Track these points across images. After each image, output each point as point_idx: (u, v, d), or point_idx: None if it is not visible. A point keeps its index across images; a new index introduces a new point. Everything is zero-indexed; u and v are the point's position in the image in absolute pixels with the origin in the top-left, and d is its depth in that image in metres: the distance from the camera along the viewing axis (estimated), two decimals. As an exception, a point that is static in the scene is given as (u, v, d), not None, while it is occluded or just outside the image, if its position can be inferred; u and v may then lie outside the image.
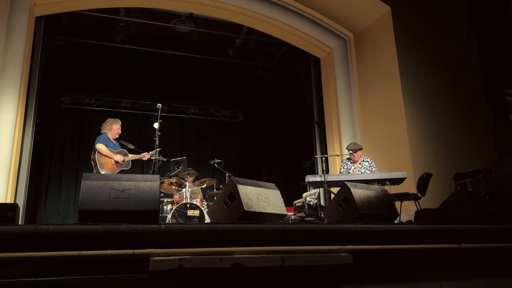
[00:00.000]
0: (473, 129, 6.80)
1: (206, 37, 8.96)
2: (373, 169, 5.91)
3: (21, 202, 5.81)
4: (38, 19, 6.52)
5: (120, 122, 5.79)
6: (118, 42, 8.62)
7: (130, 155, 5.63)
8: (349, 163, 6.04)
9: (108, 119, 5.78)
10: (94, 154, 5.35)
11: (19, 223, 3.80)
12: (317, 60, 8.41)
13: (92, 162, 5.40)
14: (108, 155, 5.36)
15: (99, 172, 5.20)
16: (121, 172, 5.39)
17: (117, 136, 5.72)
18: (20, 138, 5.95)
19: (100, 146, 5.34)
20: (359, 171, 5.89)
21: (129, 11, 7.96)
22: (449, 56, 7.06)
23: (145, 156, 5.71)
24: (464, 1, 7.43)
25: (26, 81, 6.14)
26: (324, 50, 8.08)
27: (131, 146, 5.81)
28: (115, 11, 7.77)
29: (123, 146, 5.76)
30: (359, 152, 5.94)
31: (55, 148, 9.33)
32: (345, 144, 7.11)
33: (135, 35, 8.73)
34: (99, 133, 5.70)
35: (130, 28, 8.57)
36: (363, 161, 5.99)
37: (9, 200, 5.51)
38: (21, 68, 5.90)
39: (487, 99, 7.14)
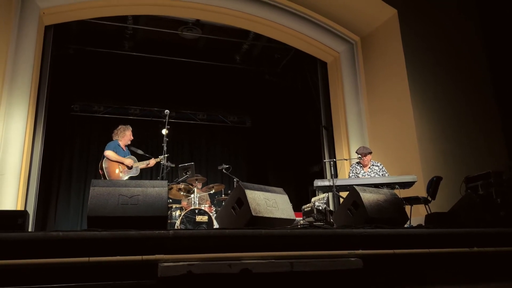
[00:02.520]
0: (484, 131, 6.72)
1: (213, 43, 9.01)
2: (385, 174, 5.81)
3: (31, 209, 5.85)
4: (47, 28, 6.60)
5: (131, 128, 5.82)
6: (126, 49, 8.70)
7: (138, 162, 5.64)
8: (358, 167, 5.95)
9: (120, 126, 5.80)
10: (102, 161, 5.35)
11: (29, 230, 3.83)
12: (324, 64, 8.40)
13: (100, 170, 5.39)
14: (118, 160, 5.37)
15: (107, 180, 5.21)
16: (130, 178, 5.41)
17: (129, 142, 5.75)
18: (30, 146, 6.01)
19: (109, 153, 5.34)
20: (368, 175, 5.80)
21: (137, 18, 8.03)
22: (458, 56, 7.00)
23: (151, 162, 5.73)
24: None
25: (35, 89, 6.22)
26: (331, 54, 8.07)
27: (140, 152, 5.83)
28: (123, 19, 7.85)
29: (132, 153, 5.77)
30: (368, 156, 5.83)
31: (65, 155, 9.41)
32: (353, 147, 7.07)
33: (143, 43, 8.80)
34: (108, 139, 5.71)
35: (138, 35, 8.64)
36: (373, 165, 5.89)
37: (19, 207, 5.56)
38: (30, 76, 5.97)
39: (497, 99, 7.06)
